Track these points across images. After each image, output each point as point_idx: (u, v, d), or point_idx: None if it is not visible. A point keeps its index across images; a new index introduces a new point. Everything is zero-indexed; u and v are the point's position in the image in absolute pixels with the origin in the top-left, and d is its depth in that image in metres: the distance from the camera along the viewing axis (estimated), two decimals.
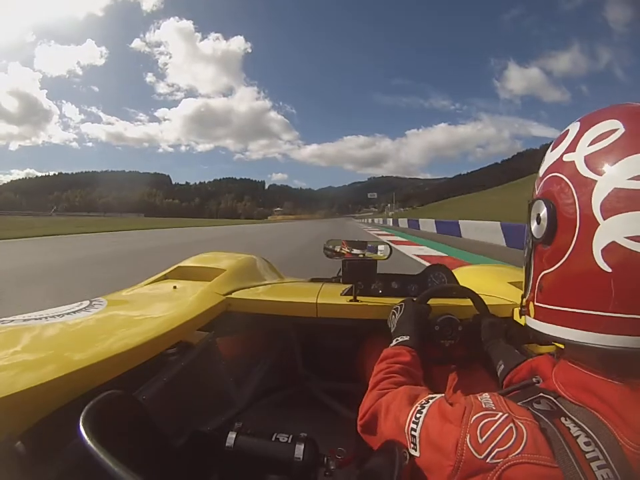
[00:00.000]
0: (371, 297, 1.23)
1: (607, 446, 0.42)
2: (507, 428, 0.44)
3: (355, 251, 1.39)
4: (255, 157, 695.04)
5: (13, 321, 0.79)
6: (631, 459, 0.42)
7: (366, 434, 0.69)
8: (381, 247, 1.45)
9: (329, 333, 1.44)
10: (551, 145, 0.56)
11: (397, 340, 0.86)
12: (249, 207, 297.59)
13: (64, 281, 5.64)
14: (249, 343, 1.42)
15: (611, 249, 0.43)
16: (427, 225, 23.29)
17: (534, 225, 0.54)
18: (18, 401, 0.52)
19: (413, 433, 0.53)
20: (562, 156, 0.52)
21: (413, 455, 0.52)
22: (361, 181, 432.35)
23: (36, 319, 0.81)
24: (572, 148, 0.50)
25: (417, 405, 0.57)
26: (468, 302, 1.07)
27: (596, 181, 0.45)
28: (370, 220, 78.77)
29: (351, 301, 1.19)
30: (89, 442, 0.45)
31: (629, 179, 0.43)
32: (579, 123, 0.53)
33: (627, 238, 0.42)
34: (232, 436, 0.73)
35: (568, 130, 0.54)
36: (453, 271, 1.47)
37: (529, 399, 0.52)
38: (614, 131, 0.46)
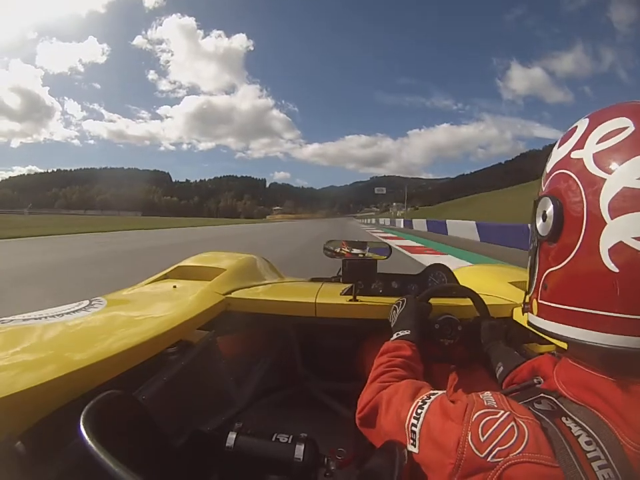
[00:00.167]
0: (371, 297, 1.23)
1: (608, 445, 0.42)
2: (508, 426, 0.44)
3: (355, 251, 1.38)
4: (256, 156, 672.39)
5: (12, 320, 0.79)
6: (632, 458, 0.41)
7: (365, 427, 0.68)
8: (381, 247, 1.43)
9: (329, 333, 1.44)
10: (558, 141, 0.55)
11: (398, 334, 0.86)
12: (249, 206, 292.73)
13: None
14: (249, 342, 1.42)
15: (618, 249, 0.42)
16: (460, 229, 17.23)
17: (539, 222, 0.53)
18: (18, 401, 0.52)
19: (413, 428, 0.53)
20: (570, 153, 0.51)
21: (411, 452, 0.52)
22: (363, 180, 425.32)
23: (35, 319, 0.81)
24: (580, 145, 0.50)
25: (418, 400, 0.56)
26: (468, 302, 1.07)
27: (605, 179, 0.45)
28: (372, 220, 73.44)
29: (350, 300, 1.19)
30: (89, 442, 0.45)
31: (638, 179, 0.43)
32: (587, 120, 0.52)
33: (635, 238, 0.42)
34: (232, 436, 0.73)
35: (576, 126, 0.53)
36: (453, 270, 1.46)
37: (529, 399, 0.51)
38: (624, 129, 0.46)
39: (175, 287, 1.27)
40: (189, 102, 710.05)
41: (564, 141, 0.54)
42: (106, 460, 0.42)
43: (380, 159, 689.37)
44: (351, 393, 0.84)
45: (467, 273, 1.65)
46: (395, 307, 1.01)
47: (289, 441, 0.73)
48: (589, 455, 0.41)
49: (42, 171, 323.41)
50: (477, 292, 1.06)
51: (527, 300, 0.60)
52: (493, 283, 1.41)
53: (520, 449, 0.42)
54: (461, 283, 1.31)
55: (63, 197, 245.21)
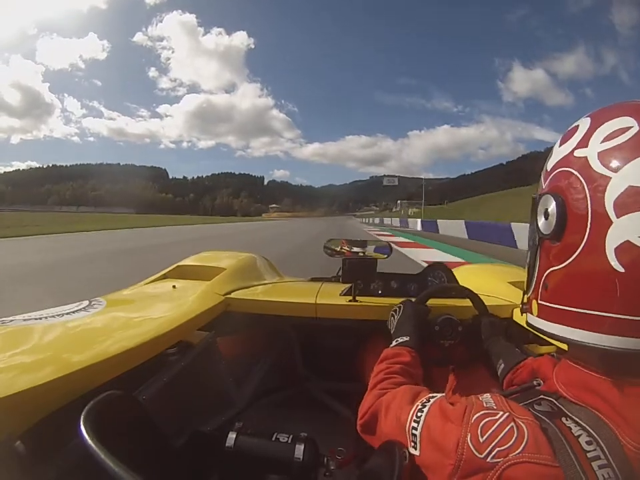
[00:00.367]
0: (370, 297, 1.23)
1: (608, 445, 0.42)
2: (507, 427, 0.44)
3: (355, 250, 1.36)
4: (256, 154, 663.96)
5: (13, 321, 0.80)
6: (632, 458, 0.41)
7: (366, 434, 0.68)
8: (381, 246, 1.43)
9: (329, 333, 1.44)
10: (559, 140, 0.55)
11: (397, 341, 0.86)
12: (246, 204, 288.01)
13: None
14: (249, 342, 1.42)
15: (625, 248, 0.42)
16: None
17: (541, 221, 0.52)
18: (18, 401, 0.52)
19: (413, 431, 0.53)
20: (573, 151, 0.50)
21: (412, 454, 0.52)
22: (363, 179, 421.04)
23: (36, 319, 0.81)
24: (584, 144, 0.49)
25: (417, 403, 0.57)
26: (467, 302, 1.07)
27: (610, 177, 0.44)
28: (375, 220, 65.48)
29: (350, 301, 1.19)
30: (89, 442, 0.45)
31: None
32: (589, 119, 0.51)
33: None
34: (232, 436, 0.73)
35: (577, 125, 0.52)
36: (452, 270, 1.46)
37: (529, 401, 0.51)
38: (628, 128, 0.45)
39: (174, 286, 1.27)
40: (189, 100, 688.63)
41: (565, 139, 0.53)
42: (106, 460, 0.42)
43: (380, 159, 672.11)
44: (351, 393, 0.85)
45: (467, 273, 1.64)
46: (392, 314, 1.01)
47: (289, 441, 0.73)
48: (589, 455, 0.41)
49: (38, 166, 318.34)
50: (477, 292, 1.06)
51: (526, 300, 0.59)
52: (493, 283, 1.41)
53: (519, 449, 0.42)
54: (460, 283, 1.30)
55: (56, 193, 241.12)
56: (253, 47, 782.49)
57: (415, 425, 0.53)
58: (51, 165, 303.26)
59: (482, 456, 0.43)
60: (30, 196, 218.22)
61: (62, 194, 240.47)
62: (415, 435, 0.52)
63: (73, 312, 0.88)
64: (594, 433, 0.43)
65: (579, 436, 0.43)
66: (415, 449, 0.52)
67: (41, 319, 0.81)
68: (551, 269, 0.51)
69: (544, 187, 0.55)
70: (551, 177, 0.53)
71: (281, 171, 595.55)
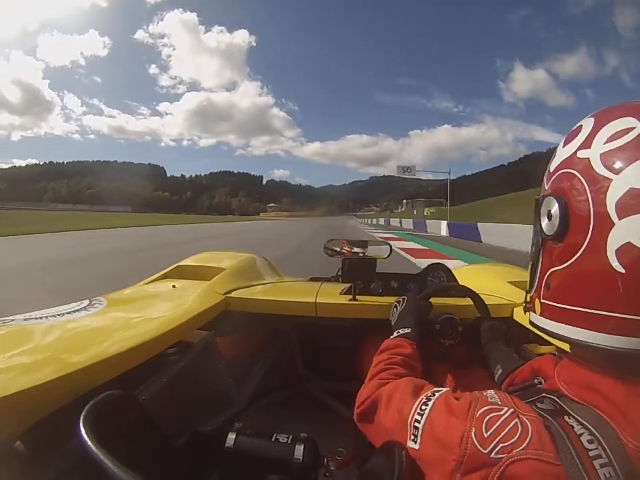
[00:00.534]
0: (371, 297, 1.23)
1: (610, 444, 0.42)
2: (512, 423, 0.44)
3: (355, 250, 1.39)
4: (257, 153, 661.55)
5: (13, 320, 0.80)
6: (633, 457, 0.42)
7: (363, 422, 0.67)
8: (381, 246, 1.44)
9: (329, 333, 1.44)
10: (563, 140, 0.55)
11: (398, 332, 0.86)
12: (244, 203, 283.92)
13: None
14: (249, 342, 1.42)
15: (626, 250, 0.42)
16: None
17: (545, 222, 0.53)
18: (18, 401, 0.52)
19: (416, 424, 0.52)
20: (576, 152, 0.50)
21: (411, 447, 0.51)
22: (363, 180, 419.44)
23: (36, 319, 0.81)
24: (587, 144, 0.49)
25: (422, 397, 0.56)
26: (468, 302, 1.07)
27: (611, 179, 0.44)
28: (379, 220, 59.01)
29: (350, 300, 1.20)
30: (88, 442, 0.45)
31: None
32: (592, 119, 0.51)
33: None
34: (232, 436, 0.73)
35: (581, 125, 0.52)
36: (452, 270, 1.46)
37: (531, 399, 0.51)
38: (631, 129, 0.45)
39: (174, 286, 1.28)
40: (189, 98, 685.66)
41: (569, 140, 0.53)
42: (105, 460, 0.42)
43: (381, 158, 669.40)
44: (351, 393, 0.86)
45: (467, 273, 1.63)
46: (395, 305, 1.01)
47: (289, 441, 0.73)
48: (590, 454, 0.41)
49: (34, 162, 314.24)
50: (477, 292, 1.06)
51: (528, 299, 0.59)
52: (493, 283, 1.41)
53: (523, 446, 0.42)
54: (460, 283, 1.30)
55: (52, 191, 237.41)
56: (254, 45, 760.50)
57: (418, 417, 0.53)
58: (47, 162, 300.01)
59: (486, 451, 0.43)
60: (25, 193, 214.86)
61: (57, 191, 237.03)
62: (416, 428, 0.52)
63: (74, 311, 0.88)
64: (595, 432, 0.43)
65: (581, 434, 0.43)
66: (415, 443, 0.51)
67: (41, 318, 0.81)
68: (553, 269, 0.51)
69: (547, 188, 0.55)
70: (553, 178, 0.54)
71: (281, 171, 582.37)
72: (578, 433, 0.43)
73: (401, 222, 41.60)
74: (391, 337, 0.85)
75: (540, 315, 0.55)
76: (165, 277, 1.45)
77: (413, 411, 0.54)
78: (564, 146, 0.54)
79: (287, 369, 1.46)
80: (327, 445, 0.79)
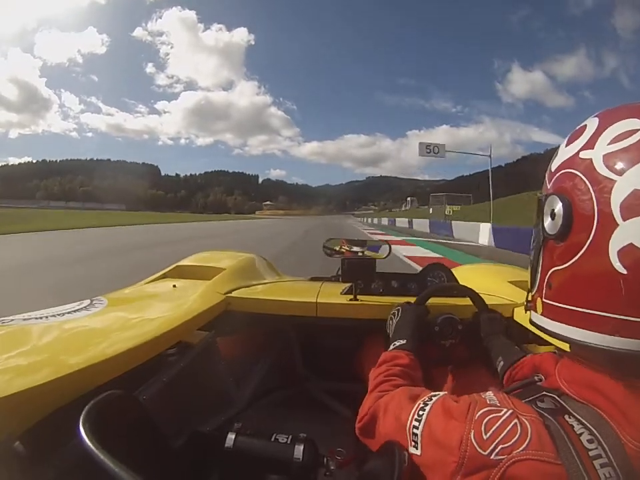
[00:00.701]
0: (371, 296, 1.23)
1: (610, 444, 0.42)
2: (511, 424, 0.44)
3: (354, 249, 1.39)
4: (254, 153, 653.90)
5: (13, 320, 0.80)
6: (633, 457, 0.42)
7: (364, 436, 0.68)
8: (380, 246, 1.44)
9: (329, 333, 1.44)
10: (566, 140, 0.55)
11: (394, 344, 0.87)
12: (240, 201, 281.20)
13: None
14: (249, 342, 1.43)
15: (628, 251, 0.42)
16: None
17: (547, 221, 0.52)
18: (18, 401, 0.52)
19: (414, 430, 0.52)
20: (579, 152, 0.50)
21: (413, 454, 0.51)
22: (359, 180, 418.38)
23: (36, 319, 0.81)
24: (590, 145, 0.49)
25: (419, 402, 0.56)
26: (468, 301, 1.07)
27: (615, 180, 0.44)
28: (377, 220, 52.34)
29: (351, 300, 1.20)
30: (88, 442, 0.45)
31: None
32: (597, 119, 0.51)
33: None
34: (231, 436, 0.73)
35: (585, 125, 0.52)
36: (452, 270, 1.46)
37: (532, 398, 0.51)
38: (635, 131, 0.45)
39: (174, 286, 1.28)
40: (186, 97, 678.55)
41: (572, 139, 0.53)
42: (105, 460, 0.42)
43: (378, 158, 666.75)
44: (351, 393, 0.85)
45: (467, 273, 1.64)
46: (391, 317, 1.02)
47: (289, 441, 0.73)
48: (590, 453, 0.41)
49: (28, 160, 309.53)
50: (477, 291, 1.06)
51: (530, 298, 0.59)
52: (493, 282, 1.41)
53: (523, 446, 0.42)
54: (460, 282, 1.30)
55: (45, 189, 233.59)
56: (253, 43, 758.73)
57: (416, 424, 0.53)
58: (40, 160, 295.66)
59: (486, 453, 0.43)
60: (17, 191, 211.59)
61: (50, 189, 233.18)
62: (415, 435, 0.52)
63: (74, 311, 0.88)
64: (595, 432, 0.43)
65: (581, 434, 0.43)
66: (416, 449, 0.51)
67: (41, 318, 0.81)
68: (555, 268, 0.51)
69: (549, 188, 0.55)
70: (555, 177, 0.54)
71: (277, 171, 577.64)
72: (578, 432, 0.43)
73: (410, 223, 32.26)
74: (389, 349, 0.86)
75: (541, 315, 0.55)
76: (164, 276, 1.44)
77: (410, 417, 0.54)
78: (567, 145, 0.54)
79: (287, 369, 1.45)
80: (326, 445, 0.79)
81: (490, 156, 21.39)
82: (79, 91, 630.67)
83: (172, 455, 0.72)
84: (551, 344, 0.94)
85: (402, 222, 36.47)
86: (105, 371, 0.66)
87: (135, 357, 0.74)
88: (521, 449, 0.42)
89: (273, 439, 0.74)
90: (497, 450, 0.42)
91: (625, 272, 0.42)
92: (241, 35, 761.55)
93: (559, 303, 0.50)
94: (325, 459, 0.75)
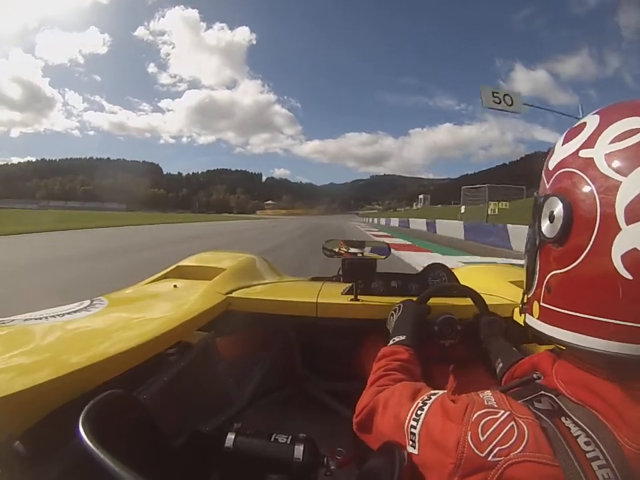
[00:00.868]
0: (372, 297, 1.24)
1: (607, 446, 0.42)
2: (508, 426, 0.44)
3: (354, 250, 1.38)
4: (256, 151, 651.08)
5: (13, 320, 0.80)
6: (631, 459, 0.41)
7: (362, 431, 0.68)
8: (380, 246, 1.43)
9: (329, 333, 1.44)
10: (562, 137, 0.53)
11: (394, 340, 0.87)
12: (242, 200, 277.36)
13: None
14: (249, 342, 1.43)
15: (632, 256, 0.41)
16: None
17: (546, 224, 0.51)
18: (18, 401, 0.52)
19: (412, 430, 0.52)
20: (578, 151, 0.48)
21: (411, 453, 0.51)
22: (363, 179, 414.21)
23: (36, 319, 0.81)
24: (590, 143, 0.47)
25: (418, 401, 0.56)
26: (468, 301, 1.07)
27: (620, 182, 0.43)
28: (385, 220, 43.83)
29: (351, 300, 1.20)
30: (88, 442, 0.45)
31: None
32: (597, 117, 0.50)
33: None
34: (231, 437, 0.73)
35: (585, 123, 0.51)
36: (453, 270, 1.46)
37: (529, 397, 0.51)
38: (638, 130, 0.44)
39: (175, 286, 1.28)
40: (190, 96, 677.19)
41: (570, 137, 0.51)
42: (105, 460, 0.42)
43: (380, 157, 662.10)
44: (351, 393, 0.86)
45: (467, 273, 1.64)
46: (392, 313, 1.02)
47: (288, 441, 0.73)
48: (588, 455, 0.41)
49: (28, 159, 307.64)
50: (478, 291, 1.06)
51: (525, 300, 0.58)
52: (493, 282, 1.41)
53: (520, 448, 0.42)
54: (461, 283, 1.30)
55: (44, 188, 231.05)
56: (255, 42, 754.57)
57: (414, 423, 0.53)
58: (40, 159, 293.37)
59: (483, 455, 0.43)
60: (16, 191, 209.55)
61: (50, 189, 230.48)
62: (413, 434, 0.52)
63: (74, 311, 0.89)
64: (592, 434, 0.43)
65: (578, 436, 0.43)
66: (414, 448, 0.51)
67: (41, 318, 0.81)
68: (554, 273, 0.50)
69: (547, 187, 0.53)
70: (554, 176, 0.52)
71: (282, 170, 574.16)
72: (575, 434, 0.43)
73: (432, 226, 22.48)
74: (388, 344, 0.86)
75: (538, 319, 0.54)
76: (165, 277, 1.44)
77: (409, 416, 0.54)
78: (563, 143, 0.52)
79: (287, 369, 1.45)
80: (326, 445, 0.79)
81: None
82: (82, 90, 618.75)
83: (172, 455, 0.72)
84: (551, 343, 0.91)
85: (418, 224, 27.08)
86: (105, 370, 0.66)
87: (135, 356, 0.74)
88: (518, 450, 0.42)
89: (272, 439, 0.73)
90: (494, 452, 0.42)
91: (630, 277, 0.41)
92: (243, 34, 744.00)
93: (558, 308, 0.49)
94: (325, 459, 0.75)
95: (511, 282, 1.36)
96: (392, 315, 1.01)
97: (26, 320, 0.80)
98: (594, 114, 0.51)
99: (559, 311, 0.49)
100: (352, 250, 1.34)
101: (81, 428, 0.47)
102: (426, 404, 0.54)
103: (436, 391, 0.57)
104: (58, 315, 0.84)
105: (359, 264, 1.23)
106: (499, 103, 13.92)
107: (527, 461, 0.41)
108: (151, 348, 0.79)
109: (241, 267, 1.56)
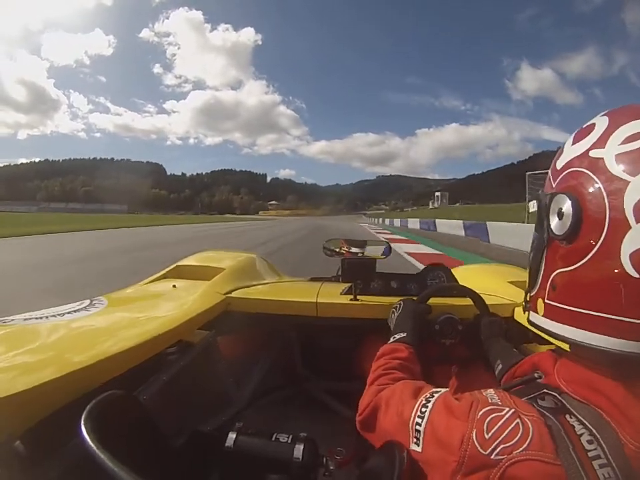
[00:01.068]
0: (371, 296, 1.24)
1: (609, 445, 0.42)
2: (513, 424, 0.44)
3: (354, 250, 1.38)
4: (263, 152, 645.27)
5: (13, 320, 0.80)
6: (632, 457, 0.41)
7: (365, 430, 0.68)
8: (380, 246, 1.43)
9: (329, 333, 1.44)
10: (572, 138, 0.53)
11: (394, 337, 0.87)
12: (246, 201, 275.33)
13: None
14: (249, 342, 1.43)
15: None
16: None
17: (555, 221, 0.51)
18: (19, 401, 0.52)
19: (417, 427, 0.52)
20: (588, 151, 0.49)
21: (414, 451, 0.51)
22: (369, 179, 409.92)
23: (37, 319, 0.81)
24: (600, 144, 0.48)
25: (421, 398, 0.56)
26: (468, 301, 1.08)
27: (629, 182, 0.43)
28: (394, 221, 39.33)
29: (351, 300, 1.20)
30: (89, 442, 0.45)
31: None
32: (607, 118, 0.50)
33: None
34: (232, 436, 0.73)
35: (594, 124, 0.51)
36: (452, 270, 1.46)
37: (533, 395, 0.51)
38: None
39: (174, 286, 1.28)
40: (195, 97, 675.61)
41: (579, 137, 0.52)
42: (106, 460, 0.42)
43: (387, 157, 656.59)
44: (351, 393, 0.86)
45: (467, 273, 1.63)
46: (392, 311, 1.02)
47: (289, 441, 0.73)
48: (590, 454, 0.41)
49: (30, 160, 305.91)
50: (478, 291, 1.06)
51: (528, 298, 0.59)
52: (493, 283, 1.41)
53: (524, 446, 0.42)
54: (460, 283, 1.30)
55: (45, 189, 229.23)
56: (260, 43, 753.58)
57: (419, 420, 0.52)
58: (42, 160, 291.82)
59: (486, 452, 0.43)
60: (17, 192, 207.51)
61: (51, 190, 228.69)
62: (418, 431, 0.52)
63: (74, 311, 0.89)
64: (595, 432, 0.43)
65: (581, 435, 0.43)
66: (418, 445, 0.51)
67: (41, 318, 0.81)
68: (560, 270, 0.50)
69: (554, 186, 0.53)
70: (562, 175, 0.52)
71: (287, 170, 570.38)
72: (578, 433, 0.43)
73: (478, 229, 15.76)
74: (388, 342, 0.86)
75: (543, 316, 0.54)
76: (164, 277, 1.44)
77: (413, 414, 0.54)
78: (573, 144, 0.52)
79: (287, 368, 1.45)
80: (326, 445, 0.79)
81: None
82: (87, 91, 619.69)
83: (172, 455, 0.72)
84: (551, 343, 0.92)
85: (447, 226, 20.96)
86: (106, 369, 0.66)
87: (136, 355, 0.74)
88: (521, 449, 0.42)
89: (273, 439, 0.73)
90: (497, 450, 0.42)
91: (637, 276, 0.42)
92: (248, 35, 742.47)
93: (564, 305, 0.49)
94: (325, 459, 0.75)
95: (511, 282, 1.36)
96: (393, 312, 1.01)
97: (26, 320, 0.80)
98: (602, 115, 0.51)
99: (564, 308, 0.49)
100: (353, 249, 1.32)
101: (83, 428, 0.47)
102: (430, 401, 0.54)
103: (438, 389, 0.58)
104: (58, 315, 0.84)
105: (358, 264, 1.23)
106: None
107: (529, 459, 0.41)
108: (152, 347, 0.79)
109: (240, 266, 1.56)
